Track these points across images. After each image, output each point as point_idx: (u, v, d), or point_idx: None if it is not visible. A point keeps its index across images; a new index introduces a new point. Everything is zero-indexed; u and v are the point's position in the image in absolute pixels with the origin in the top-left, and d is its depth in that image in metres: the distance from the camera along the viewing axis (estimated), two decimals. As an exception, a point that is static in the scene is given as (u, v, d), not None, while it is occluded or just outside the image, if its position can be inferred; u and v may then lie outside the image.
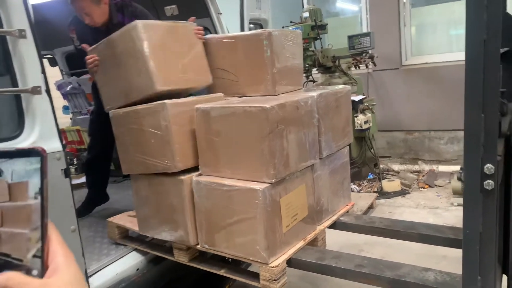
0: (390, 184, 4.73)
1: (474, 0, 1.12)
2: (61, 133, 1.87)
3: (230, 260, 2.15)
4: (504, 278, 1.77)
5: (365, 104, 4.73)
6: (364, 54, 4.81)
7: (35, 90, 1.76)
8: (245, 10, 3.24)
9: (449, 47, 5.63)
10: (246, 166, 1.86)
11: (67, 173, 1.86)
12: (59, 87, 4.72)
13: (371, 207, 4.24)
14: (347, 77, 5.00)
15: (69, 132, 4.55)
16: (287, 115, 1.87)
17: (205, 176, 1.99)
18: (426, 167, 5.46)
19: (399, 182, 4.76)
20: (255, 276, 1.86)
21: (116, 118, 2.24)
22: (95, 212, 3.16)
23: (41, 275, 0.50)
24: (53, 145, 1.81)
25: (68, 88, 4.66)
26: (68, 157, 2.07)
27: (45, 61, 4.06)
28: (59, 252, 0.51)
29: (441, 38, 5.76)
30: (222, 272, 2.00)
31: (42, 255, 0.50)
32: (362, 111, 4.66)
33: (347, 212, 2.40)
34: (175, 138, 1.96)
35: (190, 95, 2.33)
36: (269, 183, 1.78)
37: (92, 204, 3.15)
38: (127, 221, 2.47)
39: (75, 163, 4.48)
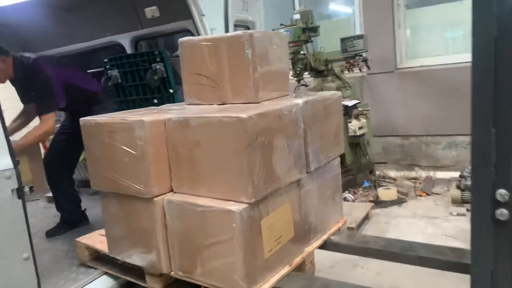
0: (387, 193, 4.54)
1: (482, -9, 0.92)
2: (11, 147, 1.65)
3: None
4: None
5: (359, 109, 4.55)
6: (357, 57, 4.63)
7: (-20, 100, 1.55)
8: (229, 11, 3.04)
9: (445, 50, 5.49)
10: (223, 183, 1.65)
11: (19, 194, 1.64)
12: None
13: (366, 217, 4.04)
14: (340, 81, 4.83)
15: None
16: (268, 125, 1.66)
17: (178, 194, 1.78)
18: (423, 174, 5.28)
19: (396, 190, 4.57)
20: (234, 307, 1.65)
21: (87, 128, 2.02)
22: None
23: None
24: (1, 161, 1.59)
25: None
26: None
27: None
28: None
29: (436, 40, 5.61)
30: (198, 302, 1.79)
31: None
32: (356, 117, 4.48)
33: (339, 229, 2.19)
34: (151, 160, 1.75)
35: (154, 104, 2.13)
36: (247, 203, 1.57)
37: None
38: (97, 241, 2.25)
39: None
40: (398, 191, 4.59)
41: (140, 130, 1.73)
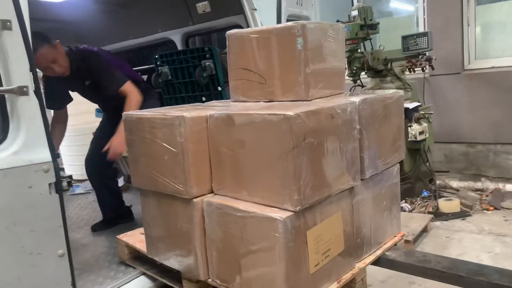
0: (448, 204, 4.17)
1: None
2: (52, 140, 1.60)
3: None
4: None
5: (421, 112, 4.22)
6: (420, 57, 4.30)
7: (22, 91, 1.51)
8: (282, 5, 2.88)
9: (520, 50, 4.98)
10: (266, 188, 1.49)
11: (57, 188, 1.59)
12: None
13: (424, 230, 3.72)
14: (400, 81, 4.52)
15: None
16: (318, 125, 1.48)
17: (218, 196, 1.65)
18: (491, 185, 4.82)
19: (459, 202, 4.20)
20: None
21: (128, 123, 1.96)
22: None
23: None
24: (40, 154, 1.55)
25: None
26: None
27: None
28: None
29: (510, 39, 5.10)
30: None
31: None
32: (417, 120, 4.16)
33: (395, 244, 1.96)
34: (191, 159, 1.63)
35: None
36: (292, 211, 1.41)
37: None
38: (137, 240, 2.18)
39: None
40: (461, 203, 4.22)
41: (181, 126, 1.62)
